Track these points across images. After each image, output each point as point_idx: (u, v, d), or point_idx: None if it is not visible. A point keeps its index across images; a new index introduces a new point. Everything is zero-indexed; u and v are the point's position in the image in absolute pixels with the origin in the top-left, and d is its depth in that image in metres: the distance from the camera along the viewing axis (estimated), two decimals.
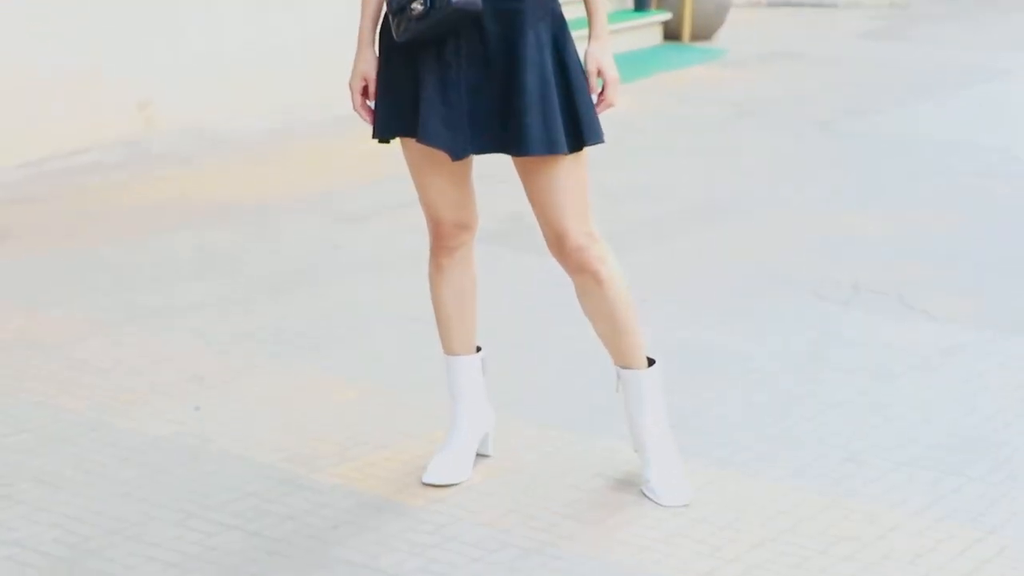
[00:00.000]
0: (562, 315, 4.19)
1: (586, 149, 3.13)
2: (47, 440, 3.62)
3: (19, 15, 6.24)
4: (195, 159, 6.60)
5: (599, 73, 3.17)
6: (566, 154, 3.08)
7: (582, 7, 3.22)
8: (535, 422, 3.74)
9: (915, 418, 3.80)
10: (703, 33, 9.98)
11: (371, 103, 3.20)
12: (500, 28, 3.06)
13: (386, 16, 3.12)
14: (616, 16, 9.69)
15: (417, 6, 3.00)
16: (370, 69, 3.18)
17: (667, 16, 9.85)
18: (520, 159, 3.12)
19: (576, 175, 3.14)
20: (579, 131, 3.09)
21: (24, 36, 6.26)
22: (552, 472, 3.43)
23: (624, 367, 3.27)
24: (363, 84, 3.19)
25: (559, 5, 3.16)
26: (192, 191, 6.13)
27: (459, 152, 3.10)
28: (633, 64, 9.14)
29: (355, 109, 3.20)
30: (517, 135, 3.05)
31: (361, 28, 3.19)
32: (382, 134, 3.22)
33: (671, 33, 9.90)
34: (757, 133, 7.46)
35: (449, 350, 3.43)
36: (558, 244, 3.17)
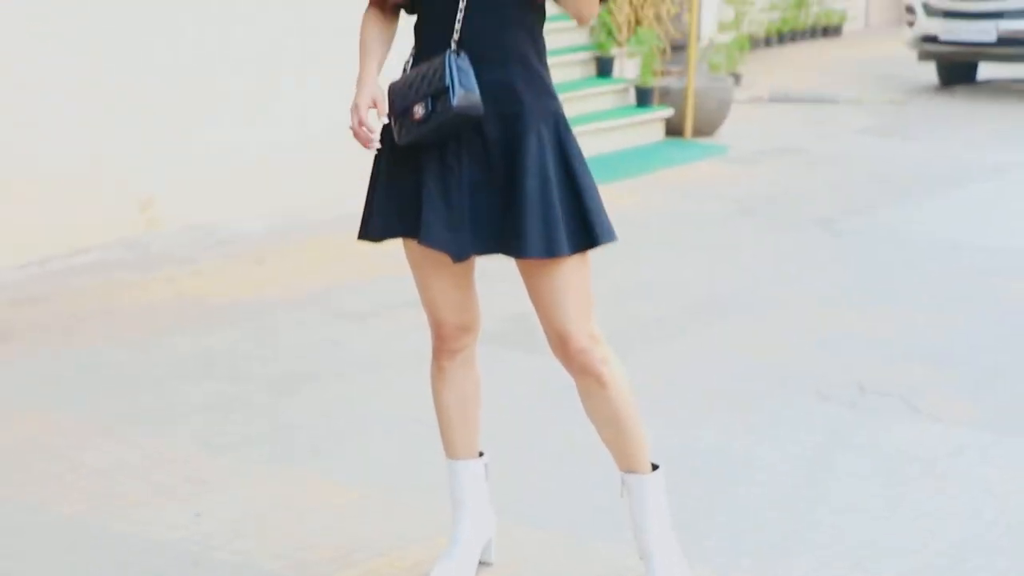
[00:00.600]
0: (564, 416, 4.20)
1: (588, 250, 3.14)
2: (45, 546, 3.61)
3: (22, 113, 6.29)
4: (197, 258, 6.62)
5: None
6: (568, 256, 3.09)
7: (582, 104, 3.25)
8: (537, 526, 3.72)
9: (922, 525, 3.78)
10: (705, 129, 10.06)
11: (383, 119, 3.12)
12: (501, 131, 3.08)
13: (388, 117, 3.14)
14: (618, 112, 9.79)
15: (419, 109, 3.03)
16: (377, 93, 3.10)
17: (669, 112, 9.93)
18: (522, 261, 3.13)
19: (579, 276, 3.14)
20: (590, 230, 3.09)
21: (26, 135, 6.30)
22: None
23: (628, 471, 3.25)
24: (371, 105, 3.10)
25: (560, 104, 3.18)
26: (193, 290, 6.14)
27: (461, 253, 3.11)
28: (635, 160, 9.22)
29: (353, 129, 3.09)
30: (517, 237, 3.06)
31: (365, 71, 3.15)
32: (380, 235, 3.21)
33: (673, 129, 9.97)
34: (759, 230, 7.48)
35: (451, 454, 3.41)
36: (561, 346, 3.17)
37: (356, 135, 3.08)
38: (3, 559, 3.53)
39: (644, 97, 9.90)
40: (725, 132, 10.16)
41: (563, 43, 9.81)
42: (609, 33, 9.92)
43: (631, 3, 10.10)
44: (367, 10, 3.22)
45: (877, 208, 7.93)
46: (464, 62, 3.03)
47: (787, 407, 4.73)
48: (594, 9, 3.12)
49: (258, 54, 7.10)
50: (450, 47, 3.04)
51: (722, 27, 12.94)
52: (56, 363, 5.13)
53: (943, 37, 12.19)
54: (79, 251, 6.53)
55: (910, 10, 12.70)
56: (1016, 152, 9.51)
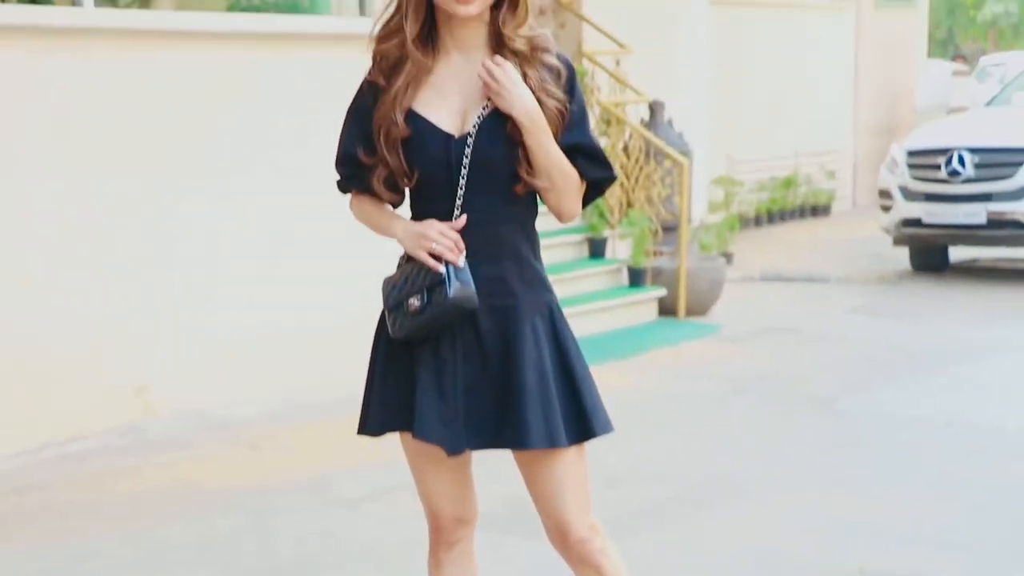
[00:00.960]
0: None
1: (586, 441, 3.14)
2: None
3: (14, 301, 6.33)
4: (193, 444, 6.59)
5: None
6: (567, 447, 3.09)
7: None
8: None
9: None
10: (698, 308, 10.11)
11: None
12: (495, 325, 3.12)
13: (382, 311, 3.18)
14: (611, 292, 9.85)
15: (414, 302, 3.07)
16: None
17: (662, 292, 9.99)
18: (520, 452, 3.13)
19: (577, 467, 3.15)
20: (586, 422, 3.11)
21: (19, 322, 6.33)
22: None
23: None
24: (439, 227, 3.08)
25: (554, 295, 3.22)
26: (189, 477, 6.10)
27: (455, 448, 3.12)
28: (629, 340, 9.24)
29: (438, 243, 3.06)
30: (516, 430, 3.08)
31: (395, 218, 3.18)
32: (379, 430, 3.22)
33: (666, 309, 10.02)
34: (754, 411, 7.47)
35: None
36: (560, 537, 3.16)
37: (443, 250, 3.05)
38: None
39: (637, 277, 9.97)
40: (718, 311, 10.21)
41: (556, 225, 9.86)
42: (601, 215, 10.05)
43: (622, 186, 10.25)
44: (353, 202, 3.26)
45: (872, 388, 7.94)
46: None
47: None
48: (576, 209, 3.19)
49: (257, 241, 7.18)
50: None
51: (712, 208, 13.10)
52: (48, 554, 5.09)
53: (927, 220, 11.50)
54: (74, 438, 6.51)
55: (885, 194, 12.00)
56: (1004, 330, 9.54)
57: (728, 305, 10.41)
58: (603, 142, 10.27)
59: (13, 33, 6.45)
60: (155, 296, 6.84)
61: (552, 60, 3.14)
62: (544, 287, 3.20)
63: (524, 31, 3.12)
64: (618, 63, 10.80)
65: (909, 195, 11.60)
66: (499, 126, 3.08)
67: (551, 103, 3.10)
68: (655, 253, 10.19)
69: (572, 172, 3.14)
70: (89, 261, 6.60)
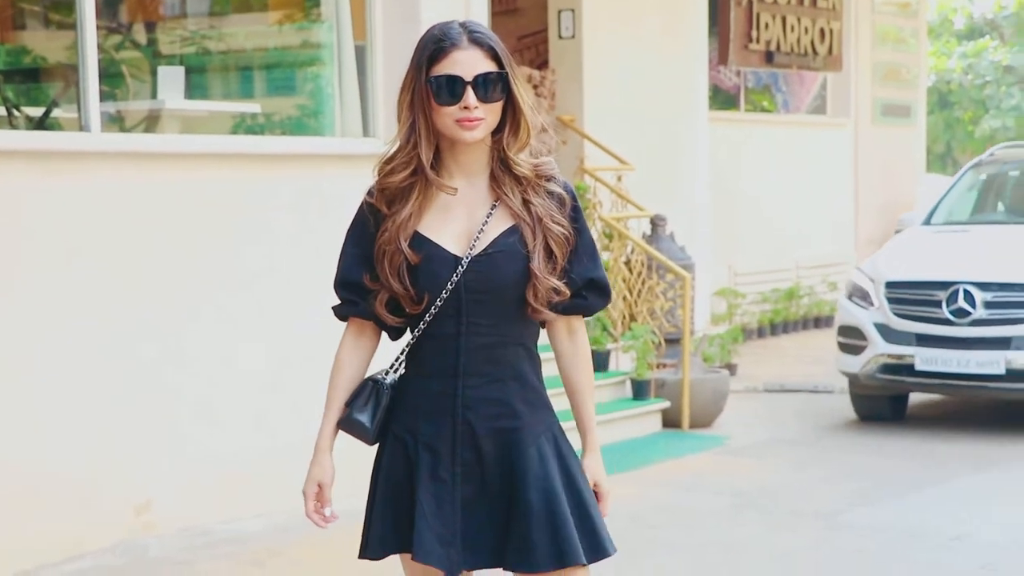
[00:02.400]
0: None
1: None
2: None
3: (11, 418, 6.29)
4: (195, 562, 6.51)
5: (595, 486, 3.20)
6: (584, 565, 3.06)
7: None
8: None
9: None
10: (702, 420, 10.05)
11: (327, 510, 3.22)
12: (497, 447, 3.10)
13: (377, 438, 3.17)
14: (615, 405, 9.80)
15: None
16: (325, 477, 3.21)
17: (666, 404, 9.94)
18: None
19: None
20: (597, 540, 3.10)
21: (15, 440, 6.29)
22: None
23: None
24: (317, 491, 3.20)
25: (556, 417, 3.20)
26: None
27: (453, 570, 3.09)
28: (632, 452, 9.18)
29: (308, 515, 3.20)
30: (522, 552, 3.06)
31: (321, 434, 3.22)
32: (380, 554, 3.19)
33: (670, 421, 9.97)
34: (759, 526, 7.37)
35: None
36: None
37: (309, 516, 3.22)
38: None
39: (640, 390, 9.94)
40: (722, 423, 10.14)
41: None
42: (604, 328, 10.04)
43: (625, 299, 10.26)
44: (348, 328, 3.24)
45: (878, 501, 7.84)
46: (385, 393, 3.16)
47: None
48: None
49: (259, 361, 7.16)
50: (454, 366, 3.08)
51: (715, 319, 13.10)
52: None
53: (921, 367, 9.11)
54: (73, 558, 6.43)
55: (851, 332, 9.64)
56: (1006, 447, 9.45)
57: (733, 416, 10.35)
58: (605, 256, 10.30)
59: (21, 157, 6.49)
60: (156, 413, 6.80)
61: (556, 188, 3.16)
62: (547, 408, 3.19)
63: (527, 158, 3.15)
64: (619, 179, 10.88)
65: (892, 336, 9.29)
66: (510, 252, 3.09)
67: (557, 230, 3.11)
68: (658, 365, 10.17)
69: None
70: (89, 379, 6.57)
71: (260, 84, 8.54)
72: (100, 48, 6.81)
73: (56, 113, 7.22)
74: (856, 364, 9.44)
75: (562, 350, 3.23)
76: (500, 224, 3.11)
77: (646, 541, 6.97)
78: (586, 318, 3.31)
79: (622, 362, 10.17)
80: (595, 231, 10.52)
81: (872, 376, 9.37)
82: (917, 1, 16.85)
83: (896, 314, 9.24)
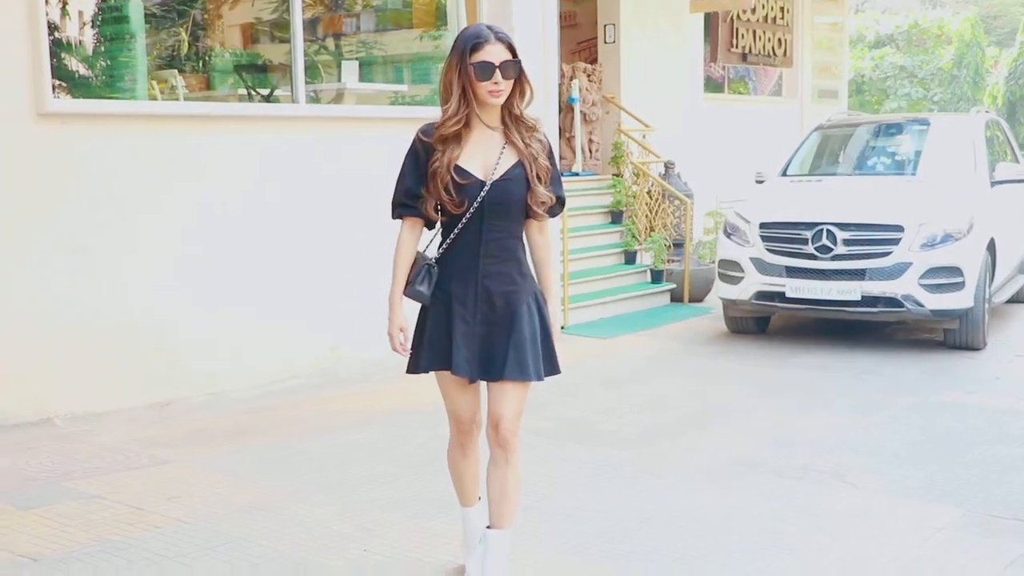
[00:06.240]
0: (595, 481, 4.06)
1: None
2: (266, 571, 3.50)
3: (278, 297, 6.33)
4: (367, 381, 6.59)
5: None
6: (532, 379, 3.10)
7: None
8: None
9: None
10: (696, 297, 9.95)
11: (407, 344, 3.16)
12: (502, 302, 3.10)
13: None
14: (639, 286, 9.70)
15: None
16: (404, 322, 3.17)
17: (673, 286, 9.85)
18: (500, 381, 3.10)
19: (526, 391, 3.15)
20: (553, 365, 3.15)
21: (276, 306, 6.33)
22: None
23: (493, 527, 3.20)
24: (401, 332, 3.16)
25: (537, 284, 3.19)
26: (364, 402, 6.08)
27: (474, 378, 3.12)
28: (651, 317, 9.11)
29: (394, 349, 3.16)
30: (517, 368, 3.07)
31: (394, 294, 3.17)
32: (427, 369, 3.17)
33: (675, 297, 9.88)
34: (740, 362, 7.30)
35: (465, 503, 3.38)
36: (494, 426, 3.13)
37: (395, 350, 3.15)
38: (236, 574, 3.45)
39: (656, 276, 9.84)
40: (709, 299, 10.03)
41: (603, 242, 9.83)
42: (633, 236, 9.94)
43: (646, 217, 10.12)
44: (404, 224, 3.19)
45: (821, 342, 7.72)
46: (435, 271, 3.12)
47: (754, 482, 4.56)
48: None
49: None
50: (476, 251, 3.08)
51: (706, 231, 12.85)
52: (274, 450, 5.09)
53: (791, 295, 7.54)
54: (291, 377, 6.54)
55: (730, 264, 7.92)
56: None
57: (715, 295, 10.20)
58: (633, 189, 10.16)
59: (258, 120, 6.51)
60: (351, 286, 6.80)
61: (541, 138, 3.18)
62: (532, 279, 3.19)
63: (527, 112, 3.14)
64: (644, 136, 10.67)
65: (765, 268, 7.71)
66: (516, 178, 3.09)
67: (543, 162, 3.13)
68: (668, 261, 10.04)
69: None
70: (320, 263, 6.63)
71: (407, 73, 8.46)
72: (304, 52, 6.78)
73: (277, 93, 7.21)
74: (735, 292, 7.85)
75: (535, 240, 3.21)
76: (509, 160, 3.10)
77: (661, 369, 6.96)
78: (551, 219, 3.27)
79: (644, 258, 10.06)
80: (627, 172, 10.36)
81: (748, 302, 7.80)
82: (842, 20, 16.35)
83: (769, 250, 7.66)
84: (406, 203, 3.15)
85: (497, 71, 3.01)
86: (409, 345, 3.16)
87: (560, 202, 3.22)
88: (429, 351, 3.13)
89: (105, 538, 3.83)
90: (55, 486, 4.44)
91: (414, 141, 3.17)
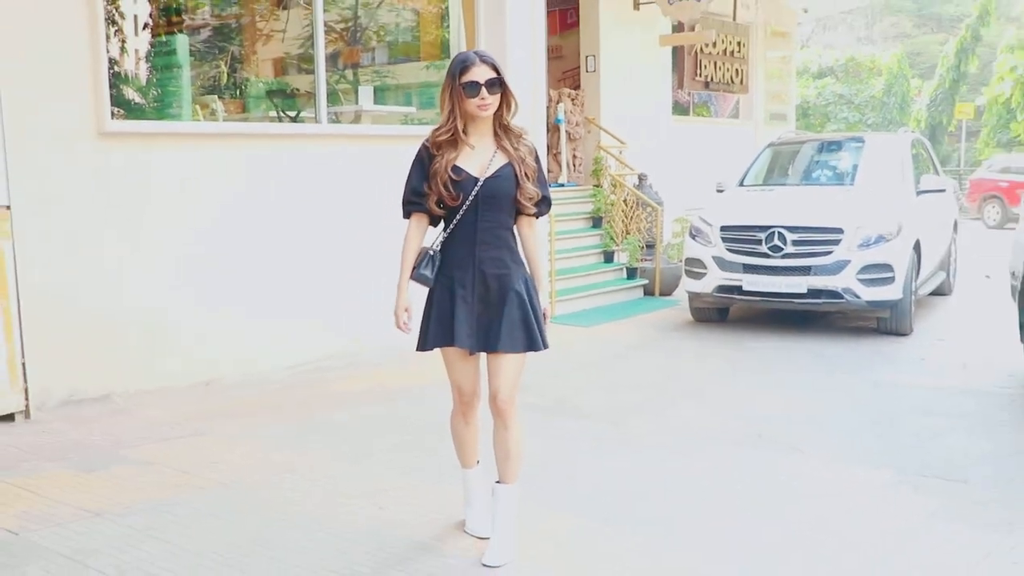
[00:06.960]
0: (588, 455, 4.04)
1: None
2: (289, 526, 3.47)
3: (317, 290, 6.30)
4: (383, 364, 6.55)
5: (544, 309, 3.22)
6: (524, 352, 3.11)
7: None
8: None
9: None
10: (666, 291, 9.94)
11: (410, 324, 3.17)
12: (497, 284, 3.11)
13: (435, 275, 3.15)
14: (616, 282, 9.68)
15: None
16: (409, 304, 3.17)
17: (645, 282, 9.85)
18: (497, 353, 3.11)
19: (521, 363, 3.15)
20: (543, 338, 3.14)
21: (315, 301, 6.30)
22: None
23: (500, 482, 3.20)
24: (406, 312, 3.16)
25: (527, 269, 3.20)
26: (381, 381, 6.05)
27: (475, 349, 3.12)
28: (626, 309, 9.10)
29: (398, 327, 3.15)
30: (509, 341, 3.08)
31: (402, 279, 3.17)
32: (433, 346, 3.17)
33: (648, 292, 9.88)
34: (703, 346, 7.29)
35: (465, 465, 3.37)
36: (493, 397, 3.13)
37: (399, 328, 3.15)
38: (268, 527, 3.43)
39: (631, 273, 9.83)
40: (677, 293, 10.03)
41: (585, 244, 9.83)
42: (612, 238, 9.94)
43: (623, 222, 10.12)
44: (411, 219, 3.19)
45: (773, 328, 7.71)
46: (437, 257, 3.12)
47: (718, 450, 4.55)
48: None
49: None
50: (473, 240, 3.08)
51: (675, 235, 12.85)
52: (303, 422, 5.07)
53: (747, 288, 7.53)
54: (320, 358, 6.51)
55: (695, 262, 7.92)
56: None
57: (682, 290, 10.19)
58: (611, 198, 10.15)
59: (287, 138, 6.47)
60: (365, 277, 6.80)
61: (528, 143, 3.21)
62: (522, 265, 3.19)
63: (515, 120, 3.17)
64: (621, 152, 10.66)
65: (725, 265, 7.69)
66: (505, 176, 3.11)
67: (530, 163, 3.16)
68: (642, 259, 10.03)
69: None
70: (337, 264, 6.57)
71: (415, 98, 8.44)
72: (326, 80, 6.77)
73: (303, 115, 7.19)
74: (699, 286, 7.85)
75: (526, 235, 3.22)
76: (500, 161, 3.13)
77: (637, 352, 6.94)
78: (539, 219, 3.27)
79: (621, 257, 10.05)
80: (606, 183, 10.36)
81: (711, 295, 7.78)
82: (790, 55, 16.41)
83: (728, 249, 7.66)
84: (413, 200, 3.17)
85: (483, 88, 3.06)
86: (412, 324, 3.15)
87: (546, 201, 3.21)
88: (435, 329, 3.13)
89: (156, 497, 3.82)
90: (112, 453, 4.44)
91: (420, 149, 3.20)
